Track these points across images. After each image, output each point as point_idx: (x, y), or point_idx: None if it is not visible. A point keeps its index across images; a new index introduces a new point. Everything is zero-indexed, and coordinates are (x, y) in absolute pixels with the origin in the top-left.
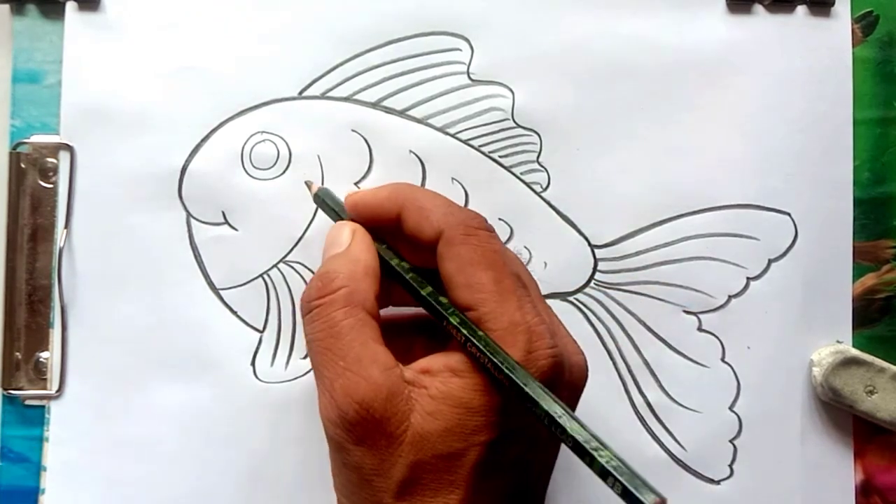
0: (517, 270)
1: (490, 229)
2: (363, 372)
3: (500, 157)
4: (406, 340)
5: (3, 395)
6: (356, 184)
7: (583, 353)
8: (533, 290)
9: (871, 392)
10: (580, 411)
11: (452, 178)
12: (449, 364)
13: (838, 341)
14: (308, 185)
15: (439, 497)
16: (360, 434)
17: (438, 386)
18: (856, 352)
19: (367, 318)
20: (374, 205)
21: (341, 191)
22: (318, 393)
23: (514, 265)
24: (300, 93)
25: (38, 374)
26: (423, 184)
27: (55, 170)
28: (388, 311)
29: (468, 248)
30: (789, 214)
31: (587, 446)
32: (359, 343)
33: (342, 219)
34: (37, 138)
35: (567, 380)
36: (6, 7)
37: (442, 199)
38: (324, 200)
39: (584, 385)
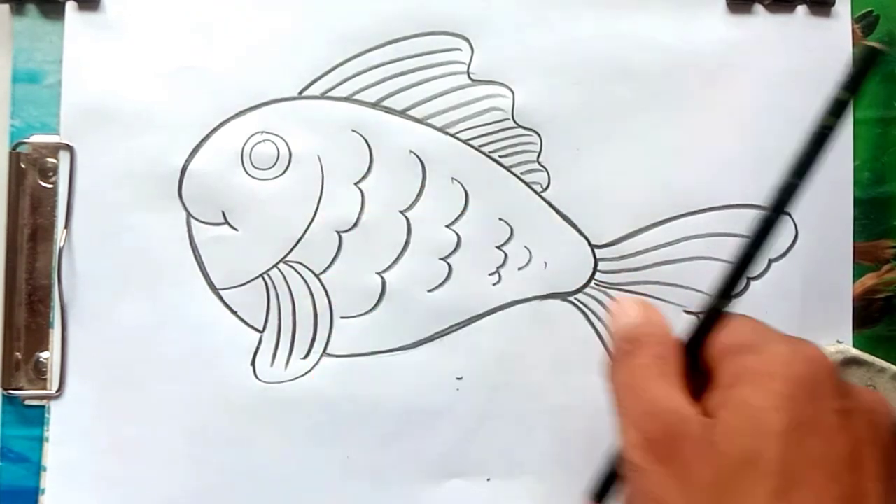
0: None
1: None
2: (663, 398)
3: (500, 157)
4: None
5: (3, 395)
6: (356, 184)
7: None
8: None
9: None
10: (577, 408)
11: (452, 178)
12: (745, 398)
13: (838, 341)
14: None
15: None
16: (660, 453)
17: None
18: (856, 352)
19: (675, 374)
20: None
21: (341, 191)
22: (618, 431)
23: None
24: (300, 93)
25: (38, 374)
26: (423, 184)
27: (55, 170)
28: None
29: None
30: (789, 214)
31: None
32: (662, 383)
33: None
34: (37, 138)
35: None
36: (6, 7)
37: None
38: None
39: None
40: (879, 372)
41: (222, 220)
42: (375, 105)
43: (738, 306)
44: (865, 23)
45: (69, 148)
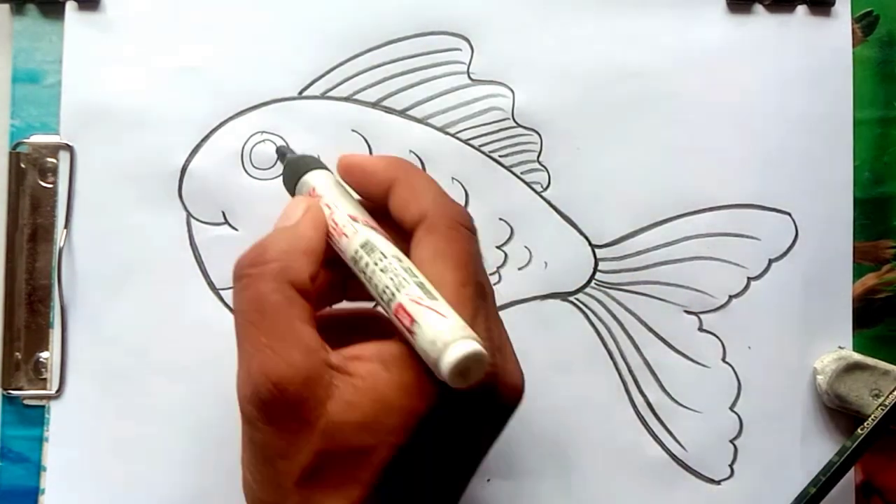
0: (483, 280)
1: (474, 230)
2: (283, 352)
3: (500, 156)
4: (348, 337)
5: (3, 395)
6: None
7: (522, 374)
8: (491, 305)
9: (878, 395)
10: (577, 408)
11: (452, 178)
12: (381, 354)
13: (840, 347)
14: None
15: (341, 491)
16: (271, 414)
17: (364, 375)
18: (858, 356)
19: (297, 297)
20: (369, 171)
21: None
22: (237, 364)
23: (482, 274)
24: (300, 93)
25: (38, 374)
26: None
27: (55, 170)
28: (339, 308)
29: (446, 241)
30: (789, 214)
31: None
32: (284, 321)
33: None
34: (37, 138)
35: (498, 402)
36: (6, 7)
37: (436, 186)
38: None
39: (514, 406)
40: (884, 374)
41: (222, 220)
42: (375, 105)
43: (740, 306)
44: (865, 23)
45: (69, 148)
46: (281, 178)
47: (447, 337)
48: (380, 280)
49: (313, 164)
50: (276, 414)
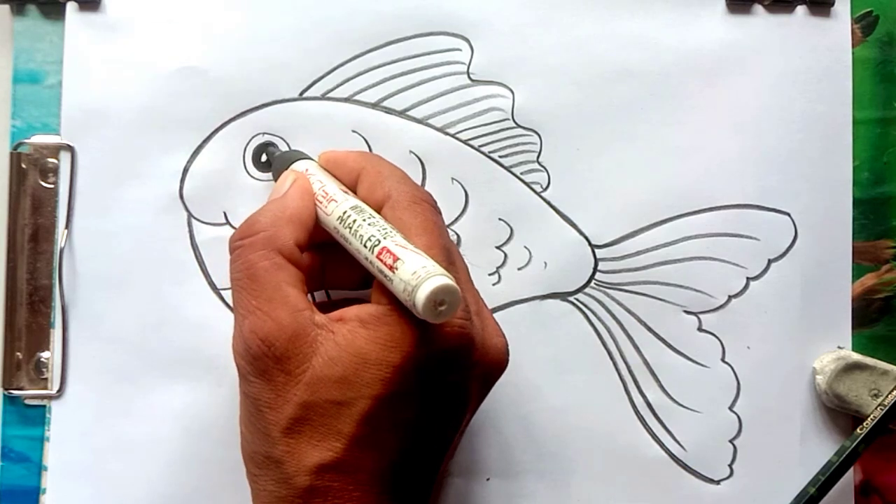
0: (450, 247)
1: (435, 205)
2: (272, 312)
3: (500, 157)
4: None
5: (4, 395)
6: None
7: (504, 338)
8: (462, 271)
9: (877, 395)
10: (577, 408)
11: (452, 178)
12: (360, 314)
13: (839, 347)
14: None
15: (324, 442)
16: (260, 368)
17: (345, 333)
18: (858, 356)
19: (283, 262)
20: (340, 161)
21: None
22: (233, 329)
23: (448, 241)
24: (301, 94)
25: (39, 374)
26: (423, 184)
27: (56, 170)
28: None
29: (410, 214)
30: (789, 214)
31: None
32: (272, 285)
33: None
34: (37, 138)
35: (479, 359)
36: (6, 7)
37: (399, 171)
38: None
39: (501, 367)
40: (883, 374)
41: (223, 221)
42: (375, 105)
43: (739, 306)
44: (865, 23)
45: (70, 148)
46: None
47: (426, 272)
48: (366, 231)
49: (300, 155)
50: (264, 367)
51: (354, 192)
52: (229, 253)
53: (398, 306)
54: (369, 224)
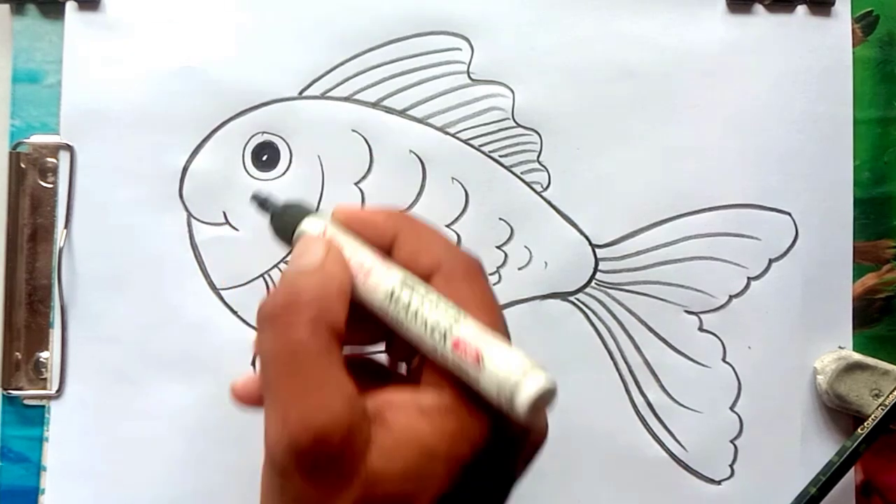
0: (505, 321)
1: (487, 276)
2: (324, 400)
3: (500, 156)
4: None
5: (4, 395)
6: (356, 184)
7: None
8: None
9: (878, 395)
10: (577, 408)
11: (452, 178)
12: (419, 403)
13: (840, 347)
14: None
15: None
16: (309, 466)
17: (403, 424)
18: (858, 356)
19: (335, 343)
20: (370, 222)
21: (341, 191)
22: (266, 413)
23: (503, 317)
24: (300, 93)
25: (38, 374)
26: (423, 184)
27: (55, 170)
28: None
29: (467, 287)
30: (790, 214)
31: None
32: (323, 369)
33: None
34: (37, 138)
35: (531, 439)
36: (6, 7)
37: (440, 234)
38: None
39: (542, 443)
40: (884, 374)
41: (223, 221)
42: (375, 105)
43: (740, 306)
44: (865, 23)
45: (69, 148)
46: (286, 179)
47: (521, 369)
48: (430, 315)
49: (305, 210)
50: (315, 466)
51: (386, 254)
52: (265, 322)
53: (465, 394)
54: (429, 304)
